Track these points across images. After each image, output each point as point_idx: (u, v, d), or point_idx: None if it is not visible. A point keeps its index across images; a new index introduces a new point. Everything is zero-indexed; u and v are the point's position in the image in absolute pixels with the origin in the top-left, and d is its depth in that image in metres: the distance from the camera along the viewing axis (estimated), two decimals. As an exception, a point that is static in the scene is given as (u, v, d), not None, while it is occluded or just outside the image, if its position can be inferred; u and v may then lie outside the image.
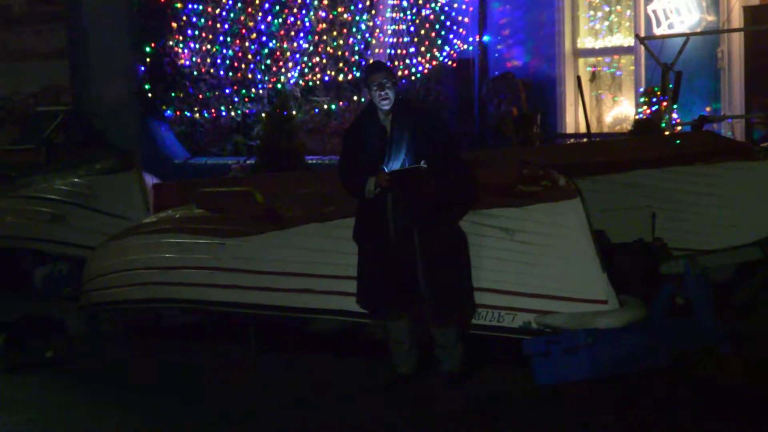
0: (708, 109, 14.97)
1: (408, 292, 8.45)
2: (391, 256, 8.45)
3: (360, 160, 8.56)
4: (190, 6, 18.33)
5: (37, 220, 13.37)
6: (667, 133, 13.71)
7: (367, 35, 17.51)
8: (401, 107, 8.61)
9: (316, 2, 17.69)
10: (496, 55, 17.03)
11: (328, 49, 17.68)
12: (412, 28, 17.22)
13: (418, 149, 8.40)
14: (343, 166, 8.79)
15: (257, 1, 17.99)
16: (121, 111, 18.35)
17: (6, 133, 18.75)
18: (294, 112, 16.76)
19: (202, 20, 18.29)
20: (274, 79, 17.90)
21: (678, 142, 11.52)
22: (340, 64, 17.64)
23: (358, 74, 17.47)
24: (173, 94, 18.50)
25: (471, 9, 17.05)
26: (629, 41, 16.08)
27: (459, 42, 17.09)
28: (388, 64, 17.06)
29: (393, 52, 17.29)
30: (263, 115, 17.30)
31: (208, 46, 18.24)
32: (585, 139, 15.12)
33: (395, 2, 17.33)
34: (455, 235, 8.60)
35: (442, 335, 8.65)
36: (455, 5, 17.11)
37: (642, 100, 14.70)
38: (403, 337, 8.73)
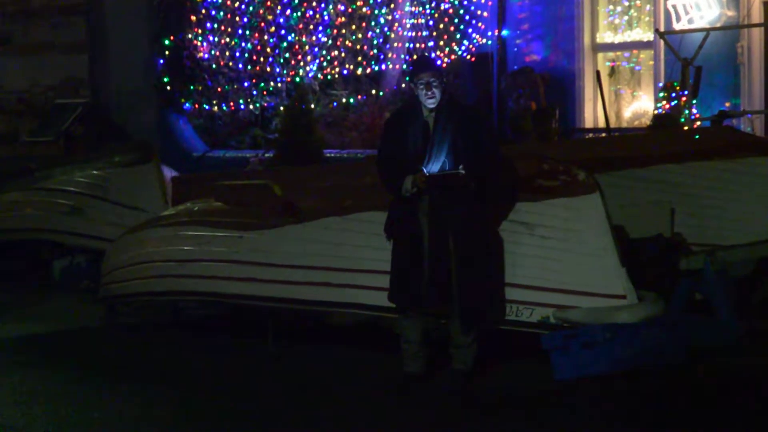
0: (728, 104, 14.92)
1: (438, 291, 8.35)
2: (424, 255, 8.34)
3: (400, 156, 8.42)
4: (209, -1, 18.38)
5: (56, 212, 13.41)
6: (686, 128, 13.67)
7: (385, 29, 17.50)
8: (447, 106, 8.44)
9: (334, -5, 17.71)
10: (515, 49, 17.00)
11: (347, 42, 17.68)
12: (430, 22, 17.19)
13: (459, 151, 8.28)
14: (382, 160, 8.61)
15: (276, -5, 18.02)
16: (140, 104, 18.41)
17: (25, 126, 18.83)
18: (312, 106, 16.77)
19: (221, 13, 18.31)
20: (293, 72, 17.90)
21: (697, 137, 11.50)
22: (359, 58, 17.63)
23: (376, 68, 17.46)
24: (192, 87, 18.53)
25: (490, 3, 17.00)
26: (649, 36, 16.03)
27: (478, 36, 17.05)
28: (407, 58, 17.09)
29: (412, 46, 17.27)
30: (282, 108, 17.31)
31: (227, 40, 18.27)
32: (604, 134, 15.09)
33: (414, -4, 17.33)
34: (491, 240, 8.56)
35: (460, 335, 8.57)
36: (474, -1, 17.10)
37: (661, 95, 14.65)
38: (415, 337, 8.62)
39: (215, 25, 18.34)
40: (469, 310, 8.39)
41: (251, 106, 18.38)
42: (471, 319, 8.46)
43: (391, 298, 8.60)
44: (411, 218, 8.39)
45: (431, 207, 8.33)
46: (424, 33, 17.21)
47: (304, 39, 17.88)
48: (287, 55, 17.98)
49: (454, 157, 8.29)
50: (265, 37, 18.11)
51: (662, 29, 15.19)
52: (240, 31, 18.24)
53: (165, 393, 8.78)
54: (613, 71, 16.66)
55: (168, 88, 18.53)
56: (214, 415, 8.17)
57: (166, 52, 18.52)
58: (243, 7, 18.21)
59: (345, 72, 17.73)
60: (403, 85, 17.22)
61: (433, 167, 8.28)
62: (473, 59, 17.08)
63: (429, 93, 8.36)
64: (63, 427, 7.94)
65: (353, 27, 17.65)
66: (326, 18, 17.75)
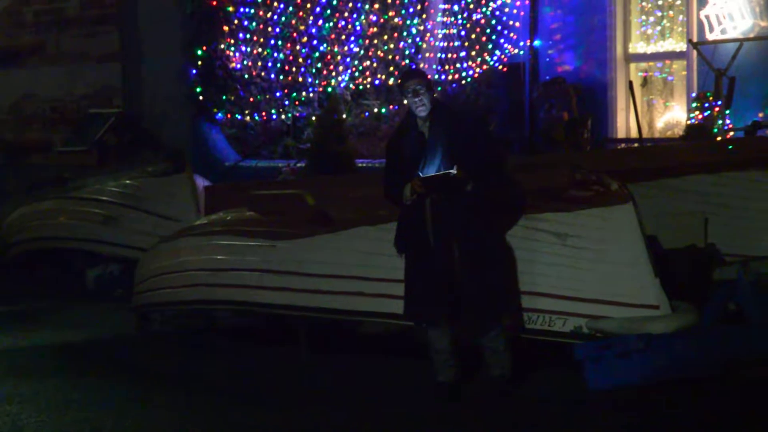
0: (761, 114, 14.83)
1: (449, 299, 8.39)
2: (432, 264, 8.40)
3: (399, 167, 8.56)
4: (242, 10, 18.41)
5: (90, 221, 13.49)
6: (719, 138, 13.62)
7: (417, 39, 17.51)
8: (439, 112, 8.57)
9: (367, 6, 17.72)
10: (547, 59, 16.96)
11: (379, 52, 17.70)
12: (462, 32, 17.17)
13: (454, 154, 8.35)
14: (385, 175, 8.78)
15: (308, 5, 18.05)
16: (173, 113, 18.46)
17: (59, 135, 18.92)
18: (344, 116, 16.79)
19: (254, 24, 18.36)
20: (325, 82, 17.94)
21: (731, 147, 11.46)
22: (391, 68, 17.64)
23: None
24: (224, 97, 18.59)
25: (522, 13, 16.97)
26: (681, 46, 15.97)
27: (510, 46, 17.03)
28: (439, 68, 17.10)
29: (443, 56, 17.27)
30: (314, 118, 17.35)
31: (260, 50, 18.32)
32: (636, 144, 15.04)
33: (446, 6, 17.31)
34: (497, 244, 8.57)
35: (490, 340, 8.58)
36: (506, 9, 17.04)
37: (694, 105, 14.60)
38: (443, 346, 8.63)
39: (248, 36, 18.39)
40: (476, 318, 8.42)
41: (283, 116, 18.42)
42: (478, 327, 8.48)
43: (405, 314, 8.66)
44: (418, 230, 8.45)
45: (433, 214, 8.38)
46: (456, 43, 17.20)
47: (336, 49, 17.91)
48: (319, 65, 18.02)
49: (449, 161, 8.36)
50: (298, 47, 18.15)
51: (695, 40, 15.13)
52: (272, 42, 18.29)
53: (198, 401, 8.81)
54: (645, 81, 16.60)
55: (201, 97, 18.60)
56: (248, 424, 8.19)
57: (199, 62, 18.59)
58: (275, 17, 18.26)
59: (377, 82, 17.75)
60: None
61: (429, 170, 8.38)
62: (505, 69, 17.05)
63: (417, 100, 8.49)
64: (97, 435, 8.00)
65: (385, 37, 17.67)
66: (358, 28, 17.78)
